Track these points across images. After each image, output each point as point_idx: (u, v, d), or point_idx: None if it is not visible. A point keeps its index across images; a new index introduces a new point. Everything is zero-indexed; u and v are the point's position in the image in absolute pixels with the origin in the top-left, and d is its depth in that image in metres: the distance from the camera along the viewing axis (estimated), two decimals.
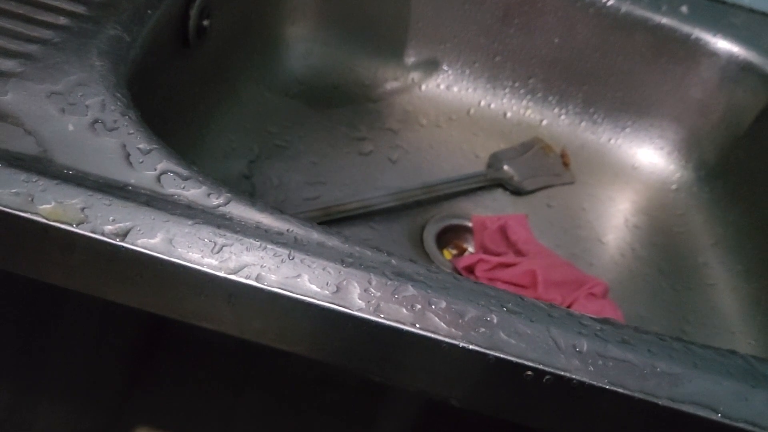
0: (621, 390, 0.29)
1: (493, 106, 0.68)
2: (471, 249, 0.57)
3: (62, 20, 0.40)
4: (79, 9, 0.41)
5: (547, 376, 0.29)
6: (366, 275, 0.30)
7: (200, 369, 0.79)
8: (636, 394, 0.29)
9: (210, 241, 0.29)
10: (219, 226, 0.30)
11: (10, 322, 0.50)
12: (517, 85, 0.68)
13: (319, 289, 0.29)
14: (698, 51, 0.62)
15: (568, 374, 0.29)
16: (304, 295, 0.29)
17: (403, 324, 0.29)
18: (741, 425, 0.29)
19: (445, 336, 0.29)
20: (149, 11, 0.43)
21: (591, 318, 0.32)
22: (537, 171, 0.63)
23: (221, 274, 0.29)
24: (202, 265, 0.29)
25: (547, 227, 0.60)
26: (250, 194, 0.54)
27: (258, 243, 0.30)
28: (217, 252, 0.29)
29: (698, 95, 0.64)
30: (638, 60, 0.64)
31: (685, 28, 0.62)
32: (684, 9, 0.62)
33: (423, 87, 0.68)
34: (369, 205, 0.55)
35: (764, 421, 0.29)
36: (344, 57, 0.67)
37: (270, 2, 0.63)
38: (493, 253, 0.54)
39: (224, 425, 0.76)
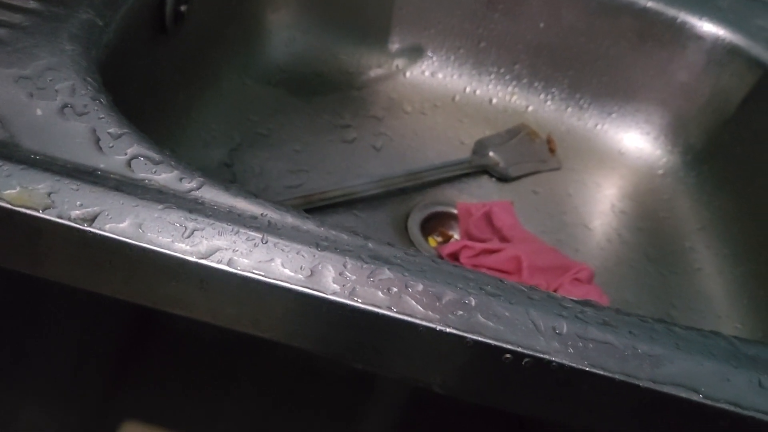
0: (601, 372, 0.28)
1: (478, 92, 0.67)
2: (456, 236, 0.57)
3: (32, 4, 0.39)
4: None
5: (527, 359, 0.28)
6: (341, 258, 0.29)
7: (188, 363, 0.79)
8: (617, 376, 0.28)
9: (181, 225, 0.29)
10: (191, 211, 0.29)
11: None
12: (502, 71, 0.67)
13: (292, 273, 0.28)
14: (684, 34, 0.62)
15: (547, 356, 0.28)
16: (278, 279, 0.28)
17: (379, 307, 0.28)
18: (723, 406, 0.28)
19: (422, 319, 0.28)
20: None
21: (572, 300, 0.31)
22: (523, 157, 0.63)
23: (192, 258, 0.28)
24: (173, 250, 0.28)
25: (533, 213, 0.59)
26: (231, 182, 0.53)
27: (230, 227, 0.29)
28: (188, 236, 0.28)
29: (684, 79, 0.63)
30: (624, 44, 0.63)
31: (671, 11, 0.61)
32: None
33: (407, 74, 0.67)
34: (352, 193, 0.54)
35: (745, 402, 0.29)
36: (327, 44, 0.67)
37: None
38: (478, 239, 0.54)
39: (212, 419, 0.76)
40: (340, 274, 0.29)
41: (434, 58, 0.67)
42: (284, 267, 0.28)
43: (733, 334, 0.51)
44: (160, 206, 0.29)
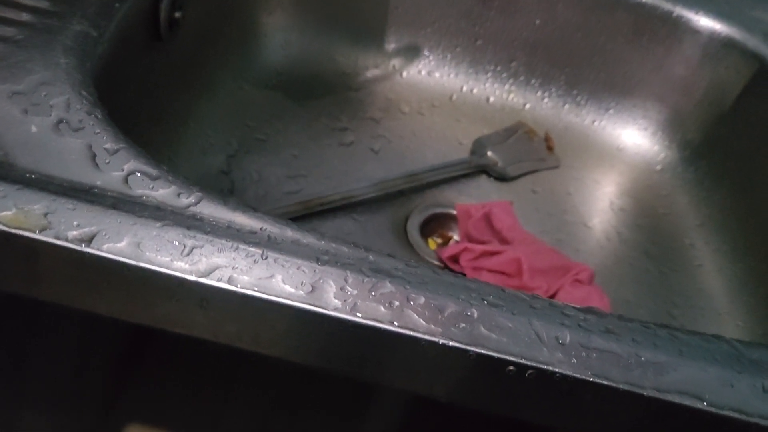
0: (605, 382, 0.28)
1: (475, 91, 0.67)
2: (456, 238, 0.57)
3: (24, 16, 0.38)
4: (43, 4, 0.39)
5: (530, 371, 0.28)
6: (342, 273, 0.29)
7: (189, 365, 0.79)
8: (621, 386, 0.28)
9: (179, 243, 0.28)
10: (189, 227, 0.29)
11: None
12: (499, 69, 0.67)
13: (293, 290, 0.28)
14: (680, 28, 0.61)
15: (551, 368, 0.28)
16: (278, 296, 0.28)
17: (381, 322, 0.28)
18: (727, 413, 0.28)
19: (425, 333, 0.28)
20: (117, 4, 0.42)
21: (574, 308, 0.31)
22: (521, 156, 0.63)
23: (192, 277, 0.28)
24: (172, 269, 0.28)
25: (532, 213, 0.59)
26: (230, 190, 0.53)
27: (230, 243, 0.29)
28: (187, 254, 0.28)
29: (681, 73, 0.63)
30: (620, 39, 0.63)
31: (667, 5, 0.61)
32: None
33: (404, 74, 0.67)
34: (351, 197, 0.54)
35: (750, 408, 0.29)
36: (323, 46, 0.66)
37: None
38: (478, 241, 0.54)
39: (214, 421, 0.76)
40: (341, 289, 0.29)
41: (431, 58, 0.67)
42: (285, 283, 0.28)
43: (734, 332, 0.51)
44: (158, 224, 0.29)
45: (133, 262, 0.27)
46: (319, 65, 0.66)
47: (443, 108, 0.66)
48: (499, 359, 0.28)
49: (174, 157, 0.52)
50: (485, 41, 0.66)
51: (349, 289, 0.29)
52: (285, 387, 0.78)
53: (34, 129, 0.32)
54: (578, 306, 0.31)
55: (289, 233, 0.31)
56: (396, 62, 0.67)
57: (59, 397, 0.65)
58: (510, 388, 0.29)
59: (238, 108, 0.59)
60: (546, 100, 0.67)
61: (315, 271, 0.29)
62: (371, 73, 0.67)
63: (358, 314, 0.28)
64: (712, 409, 0.28)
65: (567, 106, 0.67)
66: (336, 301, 0.28)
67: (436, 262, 0.53)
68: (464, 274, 0.50)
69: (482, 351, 0.28)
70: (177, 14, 0.50)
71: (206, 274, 0.28)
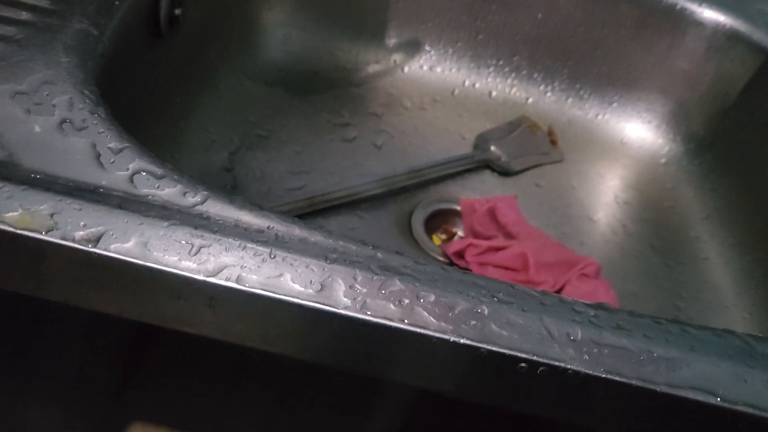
0: (618, 378, 0.28)
1: (477, 85, 0.67)
2: (460, 233, 0.56)
3: (24, 15, 0.38)
4: (43, 3, 0.39)
5: (542, 368, 0.28)
6: (351, 271, 0.29)
7: (194, 363, 0.78)
8: (633, 382, 0.28)
9: (187, 242, 0.28)
10: (196, 227, 0.29)
11: None
12: (501, 63, 0.66)
13: (302, 288, 0.28)
14: (684, 21, 0.61)
15: (563, 364, 0.28)
16: (287, 295, 0.28)
17: (391, 320, 0.28)
18: (741, 408, 0.28)
19: (435, 331, 0.28)
20: (117, 2, 0.42)
21: (584, 304, 0.31)
22: (525, 150, 0.62)
23: (200, 277, 0.27)
24: (180, 269, 0.27)
25: (536, 207, 0.59)
26: (232, 187, 0.52)
27: (237, 242, 0.29)
28: (195, 254, 0.28)
29: (685, 66, 0.63)
30: (623, 33, 0.63)
31: None
32: None
33: (406, 69, 0.67)
34: (355, 193, 0.54)
35: (764, 402, 0.28)
36: (324, 41, 0.66)
37: None
38: (482, 236, 0.53)
39: (219, 418, 0.76)
40: (350, 287, 0.28)
41: (432, 52, 0.66)
42: (294, 282, 0.28)
43: (742, 325, 0.51)
44: (165, 223, 0.29)
45: (141, 262, 0.27)
46: (320, 61, 0.65)
47: (445, 103, 0.65)
48: (510, 356, 0.28)
49: (176, 154, 0.52)
50: (487, 35, 0.65)
51: (358, 287, 0.28)
52: (289, 384, 0.78)
53: (37, 129, 0.32)
54: (588, 302, 0.31)
55: (297, 231, 0.30)
56: (397, 57, 0.67)
57: (64, 393, 0.64)
58: (522, 384, 0.29)
59: (240, 104, 0.59)
60: (549, 94, 0.66)
61: (324, 269, 0.29)
62: (372, 68, 0.66)
63: (368, 312, 0.28)
64: (726, 405, 0.28)
65: (570, 99, 0.66)
66: (346, 299, 0.28)
67: (442, 258, 0.52)
68: (470, 270, 0.50)
69: (494, 348, 0.28)
70: (177, 11, 0.49)
71: (214, 274, 0.28)
